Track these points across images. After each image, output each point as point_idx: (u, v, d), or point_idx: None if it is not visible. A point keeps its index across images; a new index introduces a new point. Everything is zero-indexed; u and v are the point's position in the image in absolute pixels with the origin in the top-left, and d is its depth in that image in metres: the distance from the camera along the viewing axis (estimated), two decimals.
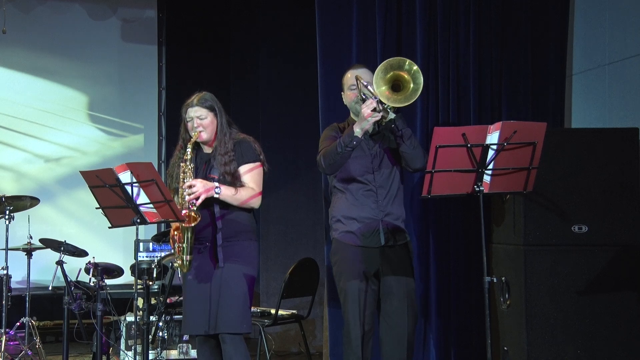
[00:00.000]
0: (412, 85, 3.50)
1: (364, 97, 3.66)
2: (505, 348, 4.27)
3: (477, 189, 3.40)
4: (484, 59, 4.78)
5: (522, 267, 4.09)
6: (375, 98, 3.54)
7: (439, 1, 4.72)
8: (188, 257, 3.55)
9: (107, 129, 7.16)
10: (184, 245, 3.54)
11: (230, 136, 3.68)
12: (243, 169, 3.64)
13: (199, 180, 3.56)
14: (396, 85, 3.54)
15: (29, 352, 5.14)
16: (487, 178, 3.41)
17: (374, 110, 3.52)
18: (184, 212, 3.50)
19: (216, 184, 3.56)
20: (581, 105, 5.05)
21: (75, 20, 7.08)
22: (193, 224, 3.50)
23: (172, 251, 3.66)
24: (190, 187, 3.51)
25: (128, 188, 3.59)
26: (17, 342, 5.32)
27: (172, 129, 7.24)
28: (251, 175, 3.65)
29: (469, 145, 3.30)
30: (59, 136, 7.00)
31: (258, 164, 3.68)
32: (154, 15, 7.33)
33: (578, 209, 4.12)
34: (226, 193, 3.57)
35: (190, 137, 3.66)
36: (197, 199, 3.50)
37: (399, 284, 3.75)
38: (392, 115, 3.60)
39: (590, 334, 4.06)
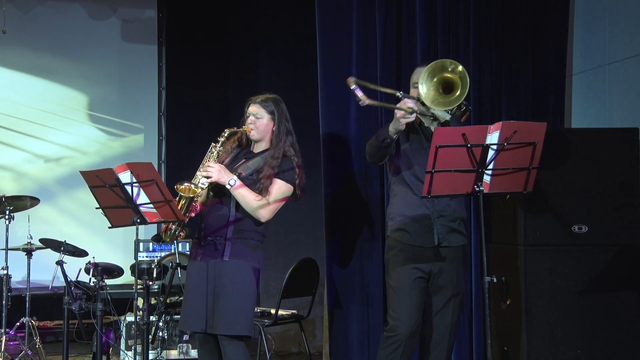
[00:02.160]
0: (459, 89, 3.46)
1: (399, 95, 3.58)
2: (505, 348, 4.27)
3: (477, 189, 3.39)
4: (484, 59, 4.78)
5: (522, 267, 4.09)
6: (411, 97, 3.52)
7: (439, 1, 4.72)
8: (174, 226, 3.61)
9: (107, 129, 7.16)
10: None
11: (283, 145, 3.67)
12: (275, 181, 3.63)
13: (219, 164, 3.57)
14: (447, 87, 3.50)
15: (29, 352, 5.14)
16: (487, 178, 3.41)
17: (408, 111, 3.48)
18: (186, 183, 3.49)
19: (234, 176, 3.55)
20: (581, 105, 5.05)
21: (75, 20, 7.08)
22: (191, 195, 3.51)
23: (171, 251, 3.67)
24: (208, 167, 3.53)
25: (128, 188, 3.59)
26: (17, 342, 5.32)
27: (172, 129, 7.30)
28: (276, 191, 3.63)
29: (469, 145, 3.30)
30: (59, 136, 7.00)
31: (289, 186, 3.67)
32: (154, 15, 7.33)
33: (578, 209, 4.12)
34: (239, 190, 3.55)
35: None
36: (207, 178, 3.52)
37: (447, 285, 3.70)
38: (447, 117, 3.56)
39: (590, 334, 4.06)
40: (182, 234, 3.64)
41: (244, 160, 3.70)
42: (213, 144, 3.62)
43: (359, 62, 4.64)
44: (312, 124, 4.95)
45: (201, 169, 3.55)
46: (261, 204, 3.59)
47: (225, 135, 3.63)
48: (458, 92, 3.47)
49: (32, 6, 6.96)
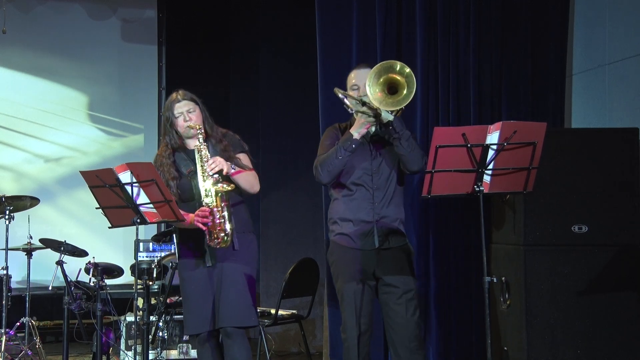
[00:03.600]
0: (405, 89, 3.51)
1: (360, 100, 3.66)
2: (505, 348, 4.27)
3: (477, 189, 3.40)
4: (484, 59, 4.78)
5: (522, 267, 4.09)
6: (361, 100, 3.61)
7: (439, 1, 4.72)
8: (227, 225, 3.54)
9: (107, 129, 7.17)
10: (225, 213, 3.54)
11: (216, 127, 3.77)
12: (242, 157, 3.74)
13: (217, 157, 3.60)
14: (392, 88, 3.55)
15: (29, 352, 5.14)
16: (487, 178, 3.41)
17: (369, 115, 3.59)
18: (220, 184, 3.51)
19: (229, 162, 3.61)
20: (581, 105, 5.05)
21: (75, 20, 7.08)
22: (230, 188, 3.53)
23: (171, 251, 3.64)
24: (213, 162, 3.54)
25: (128, 188, 3.59)
26: (17, 342, 5.32)
27: None
28: (247, 162, 3.74)
29: (469, 145, 3.30)
30: (59, 136, 7.01)
31: (246, 153, 3.78)
32: (154, 15, 7.33)
33: (578, 209, 4.12)
34: (239, 172, 3.65)
35: (180, 134, 3.71)
36: (220, 173, 3.55)
37: (395, 284, 3.72)
38: (389, 117, 3.60)
39: (590, 334, 4.06)
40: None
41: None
42: (202, 145, 3.61)
43: (359, 62, 4.64)
44: (312, 124, 4.95)
45: (207, 169, 3.54)
46: (254, 176, 3.72)
47: (202, 134, 3.63)
48: (405, 91, 3.51)
49: (32, 6, 6.96)
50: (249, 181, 3.69)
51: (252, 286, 3.67)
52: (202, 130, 3.63)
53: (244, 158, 3.73)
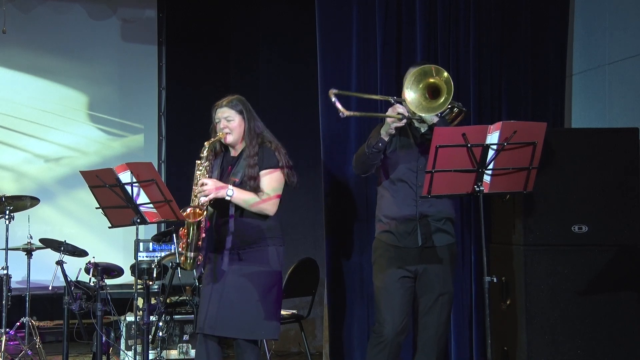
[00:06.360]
0: (444, 95, 3.52)
1: (392, 101, 3.69)
2: (505, 348, 4.27)
3: (477, 189, 3.39)
4: (484, 59, 4.79)
5: (522, 267, 4.10)
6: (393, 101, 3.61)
7: (439, 1, 4.72)
8: (191, 254, 3.51)
9: (107, 129, 7.16)
10: (188, 241, 3.50)
11: (256, 141, 3.65)
12: (262, 174, 3.60)
13: (212, 179, 3.54)
14: (434, 92, 3.56)
15: (29, 352, 5.14)
16: (487, 178, 3.41)
17: (398, 116, 3.57)
18: (189, 209, 3.47)
19: (230, 186, 3.53)
20: (581, 105, 5.05)
21: (75, 20, 7.08)
22: (197, 219, 3.46)
23: (171, 251, 3.63)
24: (202, 185, 3.49)
25: (128, 188, 3.59)
26: (17, 342, 5.32)
27: (172, 129, 7.31)
28: (268, 181, 3.60)
29: (469, 145, 3.30)
30: (59, 136, 7.00)
31: (276, 169, 3.62)
32: (154, 15, 7.32)
33: (578, 209, 4.12)
34: (239, 197, 3.53)
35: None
36: (205, 197, 3.48)
37: (434, 285, 3.73)
38: (434, 119, 3.62)
39: (590, 334, 4.06)
40: (200, 257, 3.56)
41: (229, 167, 3.68)
42: (198, 161, 3.56)
43: (359, 62, 4.65)
44: (312, 124, 4.95)
45: (196, 189, 3.51)
46: (263, 200, 3.57)
47: (206, 149, 3.58)
48: (443, 98, 3.53)
49: (32, 6, 6.96)
50: (252, 206, 3.56)
51: (270, 297, 3.59)
52: (207, 150, 3.56)
53: (265, 177, 3.59)
